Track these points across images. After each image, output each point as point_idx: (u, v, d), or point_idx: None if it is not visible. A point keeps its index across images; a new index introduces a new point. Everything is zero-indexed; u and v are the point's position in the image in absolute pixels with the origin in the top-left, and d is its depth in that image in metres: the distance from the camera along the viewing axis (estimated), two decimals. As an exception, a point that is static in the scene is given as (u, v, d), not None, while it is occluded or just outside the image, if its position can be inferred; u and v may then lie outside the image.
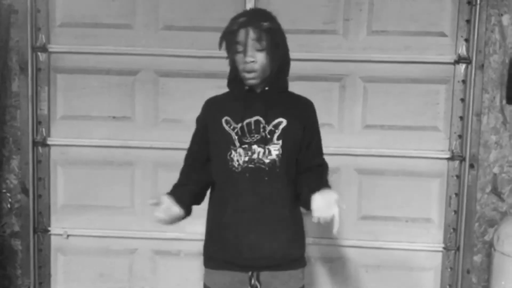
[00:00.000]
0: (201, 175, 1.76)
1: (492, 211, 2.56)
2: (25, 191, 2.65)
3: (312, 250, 2.67)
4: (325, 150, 2.56)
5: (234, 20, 1.68)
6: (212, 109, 1.76)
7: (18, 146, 2.65)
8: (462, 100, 2.55)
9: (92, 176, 2.69)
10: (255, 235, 1.66)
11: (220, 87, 2.54)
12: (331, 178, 2.61)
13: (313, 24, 2.57)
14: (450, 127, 2.58)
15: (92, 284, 2.74)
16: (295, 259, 1.74)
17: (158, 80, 2.64)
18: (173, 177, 2.77)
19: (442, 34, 2.55)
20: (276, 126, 1.68)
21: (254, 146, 1.66)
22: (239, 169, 1.66)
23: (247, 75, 1.66)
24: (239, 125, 1.68)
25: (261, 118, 1.67)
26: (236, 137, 1.67)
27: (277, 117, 1.69)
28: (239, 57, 1.65)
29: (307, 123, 1.74)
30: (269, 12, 1.73)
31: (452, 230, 2.61)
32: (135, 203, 2.70)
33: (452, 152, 2.58)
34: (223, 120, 1.70)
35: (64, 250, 2.74)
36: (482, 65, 2.48)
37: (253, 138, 1.67)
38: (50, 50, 2.64)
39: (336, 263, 2.68)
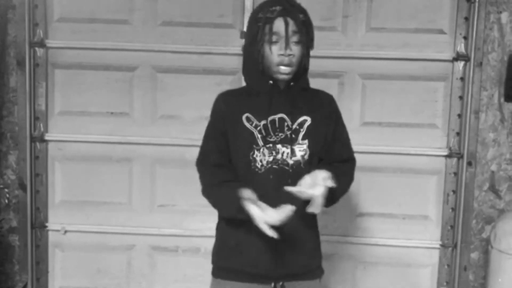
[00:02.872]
0: (233, 173, 1.57)
1: (490, 208, 2.56)
2: (22, 186, 2.65)
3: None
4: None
5: (266, 7, 1.53)
6: (230, 105, 1.60)
7: (15, 141, 2.65)
8: (460, 97, 2.55)
9: (90, 172, 2.69)
10: (276, 244, 1.51)
11: (219, 84, 2.57)
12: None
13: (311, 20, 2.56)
14: (448, 125, 2.58)
15: (90, 280, 2.74)
16: (316, 268, 1.66)
17: (156, 76, 2.64)
18: (171, 173, 2.78)
19: (441, 32, 2.54)
20: (301, 125, 1.58)
21: (279, 146, 1.54)
22: (262, 170, 1.54)
23: (283, 69, 1.53)
24: (262, 122, 1.55)
25: (285, 116, 1.56)
26: (260, 136, 1.54)
27: (301, 115, 1.58)
28: (274, 49, 1.51)
29: (332, 119, 1.64)
30: (300, 4, 1.60)
31: (449, 227, 2.62)
32: (133, 199, 2.69)
33: (450, 149, 2.58)
34: (244, 117, 1.56)
35: (61, 246, 2.74)
36: (481, 63, 2.48)
37: (277, 137, 1.55)
38: (48, 45, 2.63)
39: (334, 260, 2.68)
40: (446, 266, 2.64)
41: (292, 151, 1.55)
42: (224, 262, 1.63)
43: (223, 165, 1.59)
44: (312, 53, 2.52)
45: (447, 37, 2.54)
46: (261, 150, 1.54)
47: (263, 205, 1.47)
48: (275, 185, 1.53)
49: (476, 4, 2.45)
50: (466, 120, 2.52)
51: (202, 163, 1.63)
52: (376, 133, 2.60)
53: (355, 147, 2.58)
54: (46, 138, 2.67)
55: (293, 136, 1.55)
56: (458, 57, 2.53)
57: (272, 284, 1.59)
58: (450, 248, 2.62)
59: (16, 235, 2.69)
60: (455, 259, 2.61)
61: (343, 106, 2.58)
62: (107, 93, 2.65)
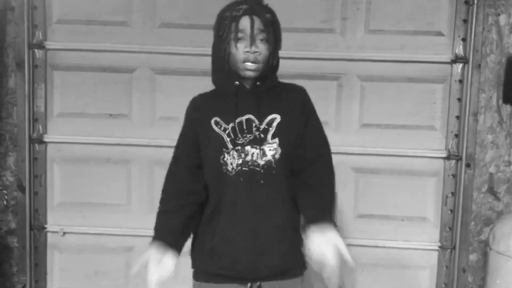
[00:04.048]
0: (194, 186, 1.59)
1: (488, 210, 2.57)
2: (21, 188, 2.65)
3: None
4: (321, 148, 2.60)
5: (233, 6, 1.54)
6: (200, 110, 1.61)
7: (14, 143, 2.65)
8: (459, 99, 2.56)
9: (88, 173, 2.68)
10: (253, 245, 1.54)
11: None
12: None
13: (310, 22, 2.57)
14: (446, 127, 2.58)
15: (88, 281, 2.74)
16: (295, 266, 1.63)
17: (155, 77, 2.64)
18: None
19: (439, 34, 2.55)
20: (270, 124, 1.55)
21: (248, 147, 1.53)
22: (233, 173, 1.53)
23: (249, 65, 1.52)
24: (230, 125, 1.54)
25: (252, 117, 1.55)
26: (228, 139, 1.54)
27: (270, 114, 1.56)
28: (240, 46, 1.52)
29: (303, 113, 1.61)
30: (268, 5, 1.60)
31: (448, 229, 2.62)
32: (132, 200, 2.69)
33: (449, 151, 2.58)
34: (213, 121, 1.56)
35: (60, 248, 2.74)
36: (479, 65, 2.48)
37: (245, 138, 1.54)
38: (47, 47, 2.63)
39: (332, 262, 2.68)
40: (444, 268, 2.64)
41: (263, 152, 1.53)
42: (202, 266, 1.64)
43: (185, 179, 1.60)
44: (310, 55, 2.57)
45: (446, 39, 2.55)
46: (231, 153, 1.54)
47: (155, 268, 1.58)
48: (246, 187, 1.53)
49: (475, 6, 2.45)
50: (465, 122, 2.52)
51: (168, 173, 1.66)
52: (374, 135, 2.60)
53: (353, 149, 2.62)
54: (45, 139, 2.67)
55: (262, 136, 1.53)
56: (456, 59, 2.53)
57: (249, 285, 1.59)
58: (448, 250, 2.62)
59: (15, 237, 2.69)
60: (453, 261, 2.61)
61: (341, 107, 2.62)
62: (106, 95, 2.65)
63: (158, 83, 2.64)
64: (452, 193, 2.60)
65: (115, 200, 2.69)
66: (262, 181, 1.53)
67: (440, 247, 2.63)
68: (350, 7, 2.55)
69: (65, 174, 2.70)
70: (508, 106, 2.51)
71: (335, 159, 2.59)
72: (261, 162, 1.53)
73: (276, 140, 1.55)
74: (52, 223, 2.72)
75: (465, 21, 2.51)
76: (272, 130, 1.55)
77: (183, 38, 2.59)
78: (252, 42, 1.50)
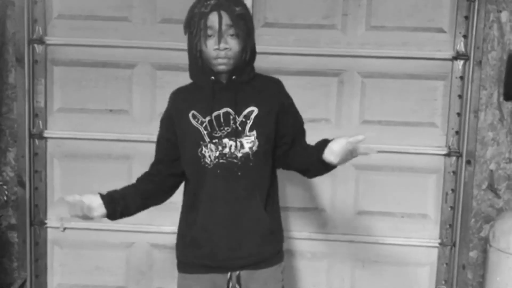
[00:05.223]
0: (166, 176, 1.68)
1: (488, 207, 2.57)
2: (21, 183, 2.65)
3: (308, 244, 2.67)
4: (322, 145, 2.60)
5: (202, 1, 1.55)
6: (178, 103, 1.67)
7: (14, 138, 2.64)
8: (460, 96, 2.55)
9: (89, 169, 2.68)
10: (230, 235, 1.60)
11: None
12: (328, 173, 2.63)
13: (311, 18, 2.56)
14: (447, 123, 2.58)
15: (88, 277, 2.74)
16: (272, 255, 1.67)
17: (156, 73, 2.64)
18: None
19: (441, 30, 2.54)
20: (247, 116, 1.58)
21: (225, 140, 1.57)
22: (211, 165, 1.57)
23: (220, 61, 1.54)
24: (207, 118, 1.58)
25: (230, 110, 1.57)
26: (205, 132, 1.58)
27: (247, 107, 1.58)
28: (209, 43, 1.53)
29: (281, 104, 1.63)
30: None
31: (448, 226, 2.62)
32: (132, 196, 2.69)
33: (449, 148, 2.58)
34: (190, 115, 1.60)
35: (60, 243, 2.74)
36: (480, 62, 2.48)
37: (223, 131, 1.57)
38: (47, 42, 2.62)
39: (333, 258, 2.68)
40: (444, 265, 2.64)
41: (241, 144, 1.57)
42: (184, 257, 1.68)
43: (159, 169, 1.69)
44: (311, 51, 2.57)
45: (447, 35, 2.54)
46: (208, 146, 1.57)
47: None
48: (224, 179, 1.57)
49: (476, 2, 2.45)
50: (466, 119, 2.52)
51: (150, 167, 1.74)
52: (375, 131, 2.60)
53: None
54: (45, 135, 2.67)
55: (240, 128, 1.57)
56: (457, 56, 2.53)
57: (228, 274, 1.63)
58: (448, 247, 2.63)
59: (15, 232, 2.69)
60: (453, 258, 2.61)
61: (342, 104, 2.61)
62: (106, 90, 2.65)
63: (159, 79, 2.63)
64: (453, 190, 2.60)
65: (115, 196, 2.69)
66: (239, 173, 1.57)
67: (440, 244, 2.63)
68: (351, 3, 2.55)
69: (65, 169, 2.70)
70: (509, 103, 2.50)
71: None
72: (239, 154, 1.57)
73: (254, 132, 1.58)
74: (53, 218, 2.72)
75: (466, 17, 2.50)
76: (249, 123, 1.58)
77: (183, 34, 2.57)
78: (221, 38, 1.52)
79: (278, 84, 1.68)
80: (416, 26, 2.54)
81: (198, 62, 1.58)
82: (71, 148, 2.68)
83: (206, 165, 1.57)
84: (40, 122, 2.66)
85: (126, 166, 2.68)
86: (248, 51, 1.57)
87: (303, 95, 2.58)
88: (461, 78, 2.54)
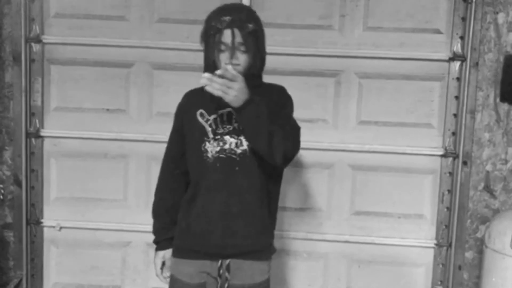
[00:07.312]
0: (183, 180, 1.79)
1: (484, 208, 2.57)
2: (18, 182, 2.64)
3: (304, 244, 2.68)
4: (319, 145, 2.61)
5: (217, 16, 1.66)
6: (188, 103, 1.79)
7: (11, 137, 2.64)
8: (456, 97, 2.56)
9: (85, 168, 2.68)
10: (224, 224, 1.68)
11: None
12: (325, 173, 2.64)
13: (308, 19, 2.57)
14: (444, 124, 2.59)
15: (84, 276, 2.74)
16: (262, 248, 1.75)
17: (153, 73, 2.63)
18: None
19: (438, 31, 2.55)
20: None
21: (227, 137, 1.68)
22: (212, 159, 1.68)
23: None
24: (213, 117, 1.70)
25: (233, 110, 1.64)
26: (210, 129, 1.69)
27: None
28: (222, 57, 1.64)
29: (278, 101, 1.71)
30: (253, 11, 1.73)
31: (444, 227, 2.63)
32: (129, 196, 2.69)
33: (446, 149, 2.59)
34: (198, 113, 1.71)
35: (56, 242, 2.74)
36: (477, 63, 2.49)
37: (225, 129, 1.69)
38: (44, 41, 2.62)
39: (329, 258, 2.69)
40: (440, 265, 2.65)
41: (240, 141, 1.68)
42: (179, 242, 1.77)
43: (177, 174, 1.81)
44: (308, 51, 2.57)
45: (444, 37, 2.55)
46: (211, 142, 1.69)
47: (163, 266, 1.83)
48: (222, 172, 1.68)
49: (473, 4, 2.45)
50: (462, 120, 2.52)
51: (163, 166, 1.88)
52: (372, 132, 2.60)
53: (351, 146, 2.62)
54: (42, 134, 2.67)
55: (241, 127, 1.66)
56: (454, 57, 2.53)
57: (219, 262, 1.71)
58: (444, 247, 2.63)
59: (11, 231, 2.68)
60: (449, 258, 2.62)
61: (339, 104, 2.62)
62: (103, 90, 2.64)
63: (156, 78, 2.63)
64: (449, 191, 2.61)
65: (112, 195, 2.69)
66: (237, 168, 1.67)
67: (436, 244, 2.64)
68: (349, 4, 2.55)
69: (61, 168, 2.70)
70: (505, 104, 2.51)
71: (332, 156, 2.63)
72: (238, 151, 1.68)
73: None
74: (49, 217, 2.71)
75: (463, 19, 2.51)
76: None
77: (181, 33, 2.58)
78: (233, 55, 1.63)
79: (280, 90, 1.78)
80: (413, 27, 2.55)
81: (211, 69, 1.66)
82: (68, 147, 2.68)
83: (208, 159, 1.68)
84: (37, 121, 2.66)
85: (122, 165, 2.68)
86: (257, 64, 1.69)
87: (300, 96, 2.57)
88: (458, 79, 2.55)
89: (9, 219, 2.69)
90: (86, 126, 2.66)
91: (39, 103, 2.65)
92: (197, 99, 1.75)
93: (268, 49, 2.51)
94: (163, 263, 1.83)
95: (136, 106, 2.65)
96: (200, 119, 1.71)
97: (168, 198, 1.82)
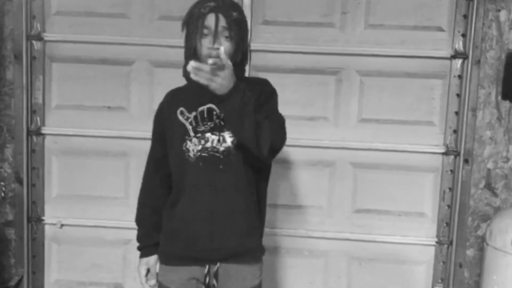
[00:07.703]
0: (167, 184, 1.72)
1: (486, 206, 2.57)
2: (19, 180, 2.65)
3: (306, 242, 2.68)
4: (320, 143, 2.61)
5: (202, 3, 1.62)
6: (169, 102, 1.72)
7: (12, 135, 2.64)
8: (458, 95, 2.55)
9: (86, 166, 2.68)
10: (210, 227, 1.61)
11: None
12: (325, 171, 2.64)
13: (309, 16, 2.56)
14: (445, 122, 2.58)
15: (85, 274, 2.75)
16: (250, 249, 1.67)
17: (154, 70, 2.63)
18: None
19: (439, 29, 2.54)
20: None
21: (208, 134, 1.61)
22: (194, 158, 1.61)
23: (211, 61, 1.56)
24: (193, 114, 1.63)
25: (213, 106, 1.61)
26: (190, 127, 1.62)
27: None
28: (204, 42, 1.58)
29: (261, 93, 1.63)
30: (236, 3, 1.70)
31: (445, 225, 2.63)
32: (130, 193, 2.69)
33: (447, 147, 2.59)
34: (178, 112, 1.65)
35: (58, 240, 2.74)
36: (479, 61, 2.48)
37: (206, 126, 1.62)
38: (45, 38, 2.62)
39: (330, 256, 2.69)
40: (441, 263, 2.65)
41: (223, 138, 1.61)
42: (165, 248, 1.71)
43: (161, 178, 1.74)
44: (310, 49, 2.57)
45: (445, 34, 2.54)
46: (192, 140, 1.62)
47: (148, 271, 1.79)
48: (206, 172, 1.61)
49: (475, 1, 2.45)
50: (463, 117, 2.52)
51: (145, 170, 1.80)
52: (373, 130, 2.60)
53: (352, 143, 2.62)
54: (43, 131, 2.67)
55: (222, 123, 1.61)
56: (456, 55, 2.53)
57: (207, 267, 1.64)
58: (445, 245, 2.63)
59: (12, 229, 2.69)
60: (450, 256, 2.61)
61: (340, 102, 2.61)
62: (104, 87, 2.64)
63: (157, 76, 2.63)
64: (450, 189, 2.60)
65: (113, 192, 2.69)
66: (221, 166, 1.61)
67: (437, 242, 2.64)
68: (350, 2, 2.55)
69: (63, 166, 2.70)
70: (507, 102, 2.51)
71: (333, 153, 2.63)
72: (221, 148, 1.61)
73: None
74: (50, 215, 2.72)
75: (465, 16, 2.50)
76: None
77: (181, 31, 2.57)
78: (215, 39, 1.57)
79: (263, 84, 1.70)
80: (414, 24, 2.54)
81: (192, 57, 1.61)
82: (69, 145, 2.68)
83: (190, 159, 1.61)
84: (38, 118, 2.66)
85: (123, 163, 2.68)
86: (239, 54, 1.62)
87: (301, 93, 2.59)
88: (460, 77, 2.54)
89: (10, 217, 2.69)
90: (87, 123, 2.66)
91: (40, 100, 2.65)
92: (178, 97, 1.70)
93: (270, 47, 2.56)
94: (148, 271, 1.77)
95: (137, 104, 2.65)
96: (180, 117, 1.65)
97: (151, 204, 1.76)
